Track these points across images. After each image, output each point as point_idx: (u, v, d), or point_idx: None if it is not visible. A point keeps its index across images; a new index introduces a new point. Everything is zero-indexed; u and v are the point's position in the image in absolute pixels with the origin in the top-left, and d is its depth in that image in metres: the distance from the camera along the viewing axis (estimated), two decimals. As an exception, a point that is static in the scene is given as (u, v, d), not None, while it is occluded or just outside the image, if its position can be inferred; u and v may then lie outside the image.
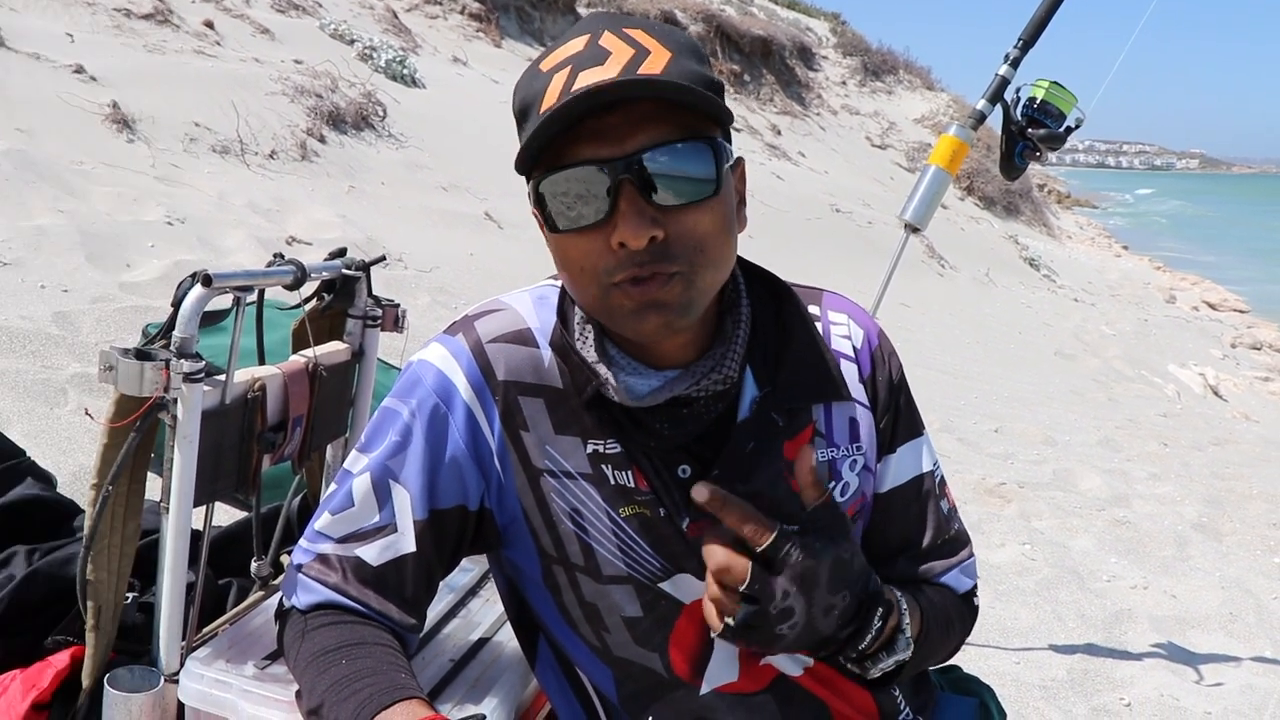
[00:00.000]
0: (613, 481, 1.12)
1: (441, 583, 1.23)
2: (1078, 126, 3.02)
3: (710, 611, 1.02)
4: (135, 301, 3.98)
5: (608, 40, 1.00)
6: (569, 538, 1.14)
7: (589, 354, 1.12)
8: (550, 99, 0.99)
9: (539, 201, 1.02)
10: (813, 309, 1.23)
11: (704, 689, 1.17)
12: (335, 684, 1.04)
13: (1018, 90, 3.03)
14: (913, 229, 2.89)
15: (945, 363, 7.55)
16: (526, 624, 1.26)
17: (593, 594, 1.16)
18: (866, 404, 1.20)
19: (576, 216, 1.00)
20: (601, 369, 1.11)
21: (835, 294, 1.28)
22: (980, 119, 2.94)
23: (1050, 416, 6.57)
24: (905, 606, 1.11)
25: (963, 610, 1.28)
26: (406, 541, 1.13)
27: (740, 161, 1.10)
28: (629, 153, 0.98)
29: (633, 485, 1.12)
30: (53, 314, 3.65)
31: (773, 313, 1.19)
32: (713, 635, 1.05)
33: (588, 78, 0.97)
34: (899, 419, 1.23)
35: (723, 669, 1.17)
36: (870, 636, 1.06)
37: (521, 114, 1.04)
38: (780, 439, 1.14)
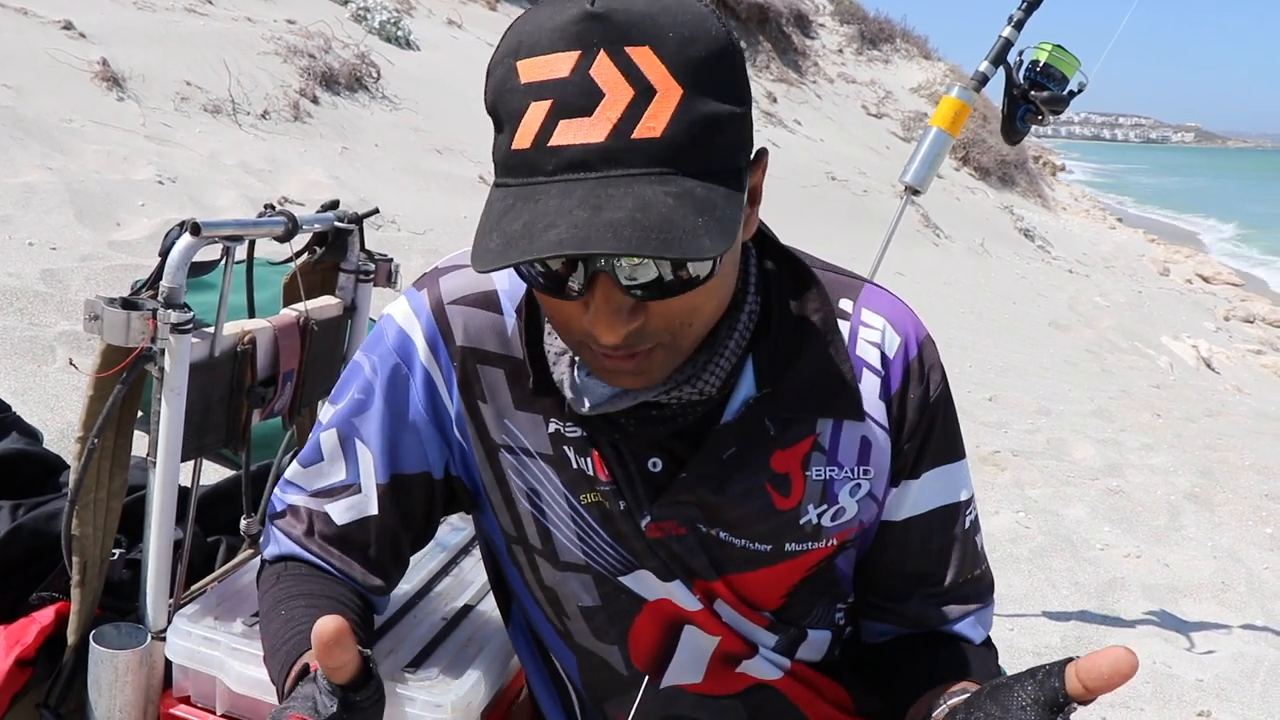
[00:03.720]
0: (574, 465, 1.03)
1: (432, 541, 1.21)
2: (1080, 91, 2.98)
3: None
4: (125, 260, 3.93)
5: (601, 70, 0.78)
6: (527, 518, 1.08)
7: (557, 342, 1.01)
8: (523, 139, 0.80)
9: None
10: (844, 304, 1.06)
11: (663, 685, 1.12)
12: (276, 633, 1.01)
13: (1020, 53, 2.98)
14: (913, 191, 2.85)
15: (940, 332, 7.52)
16: (503, 589, 1.23)
17: (551, 579, 1.10)
18: (884, 424, 1.05)
19: (547, 282, 0.85)
20: (562, 365, 1.00)
21: (880, 290, 1.10)
22: (983, 81, 2.89)
23: (1044, 386, 6.56)
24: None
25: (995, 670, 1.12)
26: (369, 503, 1.09)
27: (762, 156, 0.91)
28: None
29: (592, 473, 1.02)
30: (41, 271, 3.60)
31: (793, 303, 1.03)
32: None
33: (568, 131, 0.78)
34: (929, 442, 1.07)
35: (686, 670, 1.11)
36: None
37: (493, 116, 0.85)
38: (770, 448, 1.02)
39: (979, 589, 1.13)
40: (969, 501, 1.12)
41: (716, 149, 0.81)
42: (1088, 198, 28.48)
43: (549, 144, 0.79)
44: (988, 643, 1.15)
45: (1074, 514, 4.22)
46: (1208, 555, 3.96)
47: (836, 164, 14.35)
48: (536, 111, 0.79)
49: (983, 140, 19.33)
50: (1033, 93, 2.91)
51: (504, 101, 0.82)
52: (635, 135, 0.77)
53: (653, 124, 0.78)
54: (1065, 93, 2.92)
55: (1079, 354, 8.20)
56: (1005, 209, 17.02)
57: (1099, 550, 3.88)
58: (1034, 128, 3.08)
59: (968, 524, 1.11)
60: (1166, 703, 2.85)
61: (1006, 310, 9.54)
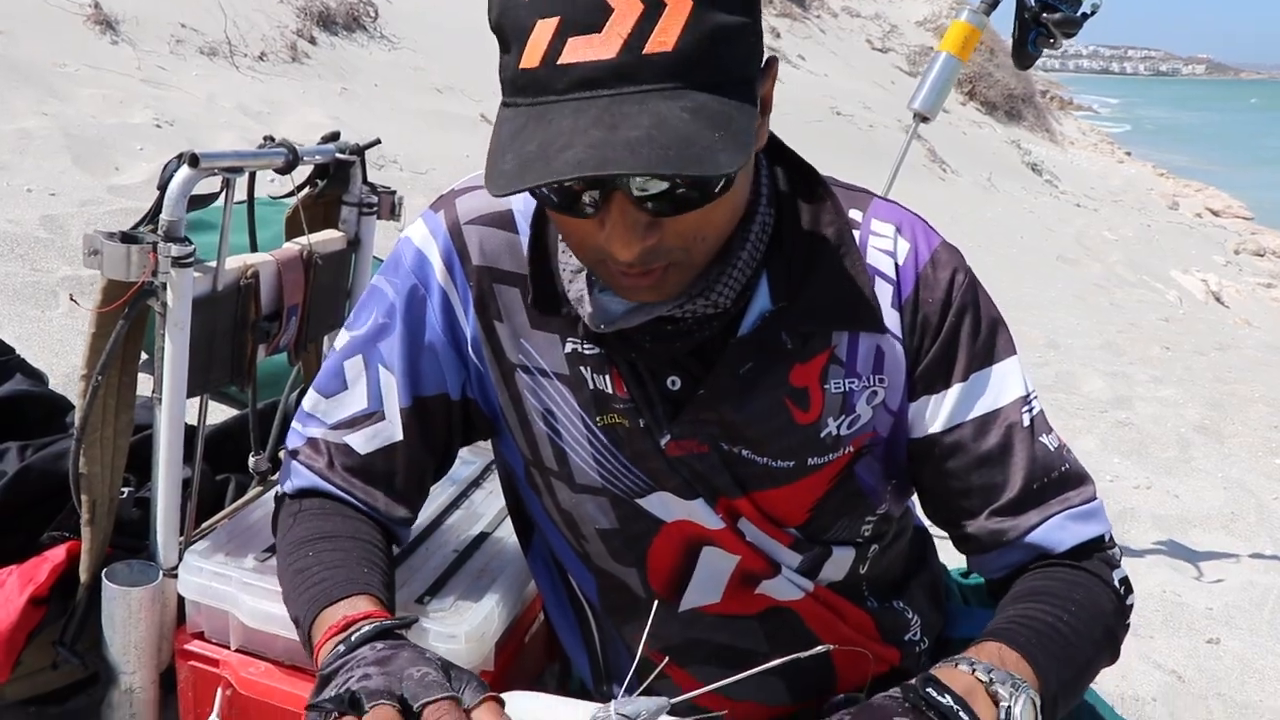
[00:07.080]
0: (591, 385, 1.02)
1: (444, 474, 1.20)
2: (1093, 13, 2.90)
3: None
4: (124, 204, 3.89)
5: None
6: (542, 440, 1.07)
7: (572, 259, 1.00)
8: (531, 58, 0.78)
9: None
10: (854, 214, 1.04)
11: (681, 608, 1.11)
12: (298, 575, 1.00)
13: (1031, -25, 2.91)
14: (922, 118, 2.80)
15: (947, 267, 7.47)
16: (522, 516, 1.22)
17: (568, 502, 1.09)
18: (898, 334, 1.02)
19: (562, 201, 0.85)
20: (579, 282, 0.99)
21: (888, 201, 1.09)
22: (994, 4, 2.83)
23: (1053, 320, 6.53)
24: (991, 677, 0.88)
25: (1091, 594, 1.04)
26: (394, 429, 1.08)
27: (771, 64, 0.89)
28: None
29: (610, 391, 1.02)
30: (40, 217, 3.57)
31: (807, 214, 1.02)
32: None
33: (578, 49, 0.77)
34: (957, 347, 1.03)
35: (704, 592, 1.10)
36: None
37: (498, 34, 0.84)
38: (788, 363, 1.01)
39: (1062, 488, 1.04)
40: (1024, 399, 1.04)
41: (729, 60, 0.80)
42: (1096, 131, 28.23)
43: (559, 62, 0.77)
44: (1081, 550, 1.05)
45: (1084, 446, 4.21)
46: (1217, 486, 3.96)
47: (841, 99, 14.18)
48: (544, 29, 0.78)
49: (989, 74, 19.10)
50: (1044, 15, 2.84)
51: (508, 18, 0.81)
52: (647, 50, 0.76)
53: (664, 38, 0.77)
54: (1078, 14, 2.85)
55: (1087, 288, 8.15)
56: (1012, 143, 16.85)
57: (1109, 481, 3.88)
58: (1043, 56, 3.02)
59: (1027, 422, 1.04)
60: (1176, 630, 2.86)
61: (1014, 244, 9.47)
